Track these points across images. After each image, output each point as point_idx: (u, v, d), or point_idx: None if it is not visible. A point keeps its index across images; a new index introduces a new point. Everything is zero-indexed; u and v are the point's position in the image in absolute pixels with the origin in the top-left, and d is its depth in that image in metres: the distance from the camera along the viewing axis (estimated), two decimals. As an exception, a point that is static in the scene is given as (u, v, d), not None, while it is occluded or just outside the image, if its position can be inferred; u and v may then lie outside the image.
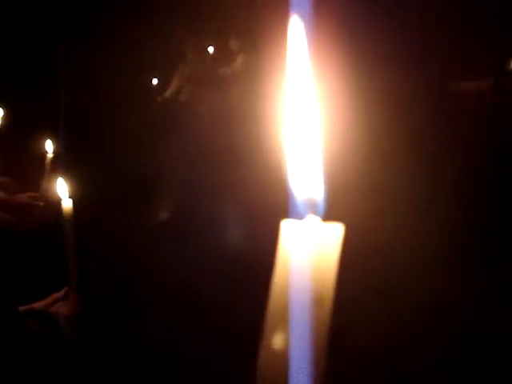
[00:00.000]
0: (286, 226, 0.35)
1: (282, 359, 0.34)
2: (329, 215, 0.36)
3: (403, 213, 4.17)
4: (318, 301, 0.34)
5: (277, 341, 0.34)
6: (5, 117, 3.46)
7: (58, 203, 1.65)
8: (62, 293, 1.61)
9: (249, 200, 4.91)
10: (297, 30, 0.37)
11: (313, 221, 0.36)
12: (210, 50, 7.27)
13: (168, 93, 7.20)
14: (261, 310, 0.39)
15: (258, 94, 6.35)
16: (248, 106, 6.40)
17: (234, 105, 6.86)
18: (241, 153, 5.36)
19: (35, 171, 2.92)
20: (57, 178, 1.73)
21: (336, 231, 0.35)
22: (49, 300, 1.59)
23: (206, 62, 7.00)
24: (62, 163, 2.78)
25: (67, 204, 1.63)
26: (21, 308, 1.38)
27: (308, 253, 0.34)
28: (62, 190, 1.66)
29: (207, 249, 4.26)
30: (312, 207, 0.36)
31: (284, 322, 0.34)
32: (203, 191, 5.34)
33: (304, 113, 0.37)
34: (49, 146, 2.89)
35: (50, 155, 2.87)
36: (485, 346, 3.19)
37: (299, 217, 0.36)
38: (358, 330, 2.99)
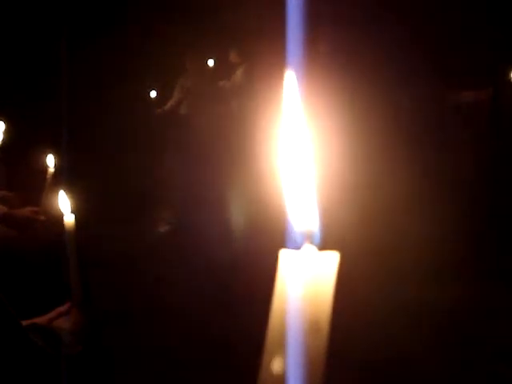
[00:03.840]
0: (284, 256, 0.37)
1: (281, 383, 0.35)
2: (325, 244, 0.37)
3: (400, 233, 4.18)
4: (314, 328, 0.35)
5: (275, 366, 0.35)
6: (6, 131, 3.47)
7: (59, 217, 1.66)
8: (64, 307, 1.62)
9: (249, 216, 4.93)
10: (293, 53, 0.38)
11: (309, 250, 0.37)
12: (210, 63, 7.30)
13: (168, 105, 7.22)
14: (260, 331, 0.40)
15: (257, 107, 6.37)
16: (247, 118, 6.41)
17: (234, 117, 6.87)
18: (240, 166, 5.37)
19: (36, 185, 2.92)
20: (58, 192, 1.73)
21: (332, 259, 0.36)
22: (51, 315, 1.59)
23: (205, 75, 7.01)
24: (63, 177, 2.78)
25: (69, 218, 1.64)
26: (23, 323, 1.39)
27: (305, 281, 0.36)
28: (63, 204, 1.66)
29: (207, 261, 4.26)
30: (308, 237, 0.37)
31: (282, 347, 0.35)
32: (203, 204, 5.34)
33: (299, 145, 0.38)
34: (50, 161, 2.90)
35: (51, 169, 2.88)
36: (488, 355, 3.20)
37: (296, 246, 0.37)
38: (357, 348, 2.99)
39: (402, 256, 3.87)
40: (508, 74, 6.33)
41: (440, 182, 5.01)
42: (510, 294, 3.81)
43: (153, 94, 7.62)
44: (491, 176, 5.47)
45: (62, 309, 1.61)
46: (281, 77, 0.39)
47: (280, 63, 0.39)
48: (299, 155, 0.38)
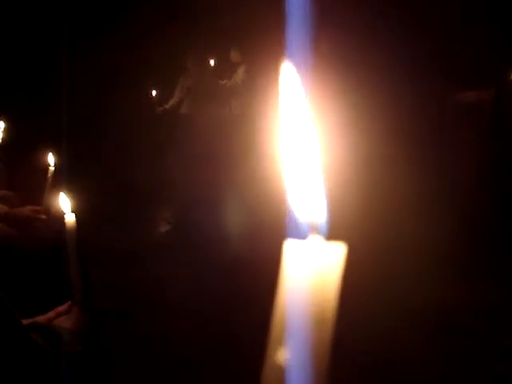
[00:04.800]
0: (290, 246, 0.36)
1: (286, 374, 0.34)
2: (331, 235, 0.37)
3: (402, 232, 4.18)
4: (320, 319, 0.35)
5: (280, 356, 0.35)
6: (7, 130, 3.47)
7: (60, 217, 1.66)
8: (64, 306, 1.61)
9: (250, 215, 4.92)
10: (294, 56, 0.38)
11: (315, 241, 0.37)
12: (211, 62, 7.30)
13: (169, 104, 7.22)
14: (264, 325, 0.40)
15: (258, 106, 6.37)
16: (249, 117, 6.41)
17: (235, 116, 6.88)
18: (242, 165, 5.37)
19: (37, 184, 2.92)
20: (59, 191, 1.73)
21: (338, 250, 0.36)
22: (52, 314, 1.59)
23: (206, 75, 7.01)
24: (63, 176, 2.78)
25: (70, 218, 1.64)
26: (24, 322, 1.38)
27: (311, 272, 0.35)
28: (64, 203, 1.66)
29: (208, 261, 4.26)
30: (314, 227, 0.37)
31: (287, 338, 0.35)
32: (204, 203, 5.35)
33: (303, 136, 0.38)
34: (50, 160, 2.89)
35: (51, 168, 2.87)
36: (488, 354, 3.20)
37: (302, 237, 0.37)
38: (359, 342, 2.99)
39: (403, 254, 3.88)
40: (510, 75, 6.33)
41: (441, 181, 5.02)
42: (510, 293, 3.81)
43: (154, 93, 7.62)
44: (492, 176, 5.47)
45: (61, 308, 1.61)
46: (282, 75, 0.38)
47: (281, 62, 0.39)
48: (304, 149, 0.38)
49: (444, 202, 4.59)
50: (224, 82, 7.24)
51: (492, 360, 3.13)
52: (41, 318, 1.55)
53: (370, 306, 3.39)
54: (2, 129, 3.47)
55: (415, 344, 3.17)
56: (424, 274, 3.83)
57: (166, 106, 7.25)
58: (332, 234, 0.37)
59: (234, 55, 7.16)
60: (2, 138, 3.40)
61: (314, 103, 0.38)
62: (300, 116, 0.38)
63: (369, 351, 3.02)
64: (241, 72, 7.06)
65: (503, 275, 4.05)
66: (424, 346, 3.19)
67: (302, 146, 0.38)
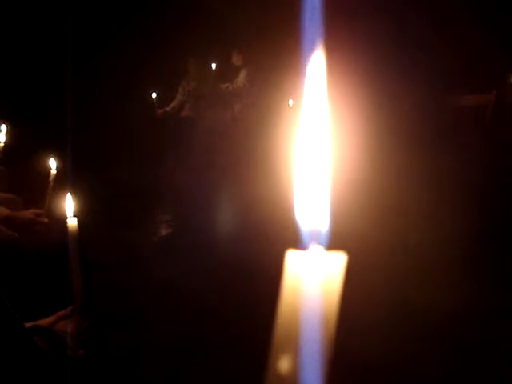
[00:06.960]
0: (291, 256, 0.37)
1: (288, 383, 0.35)
2: (333, 244, 0.37)
3: (406, 234, 4.19)
4: (321, 327, 0.35)
5: (283, 366, 0.35)
6: (9, 133, 3.48)
7: (62, 220, 1.66)
8: (67, 310, 1.62)
9: (251, 218, 4.93)
10: (312, 58, 0.38)
11: (317, 251, 0.37)
12: (213, 66, 7.32)
13: (170, 107, 7.24)
14: (266, 331, 0.41)
15: (261, 109, 6.38)
16: (251, 121, 6.42)
17: (237, 120, 6.89)
18: (243, 168, 5.37)
19: (39, 188, 2.92)
20: (61, 195, 1.73)
21: (339, 260, 0.36)
22: (54, 317, 1.59)
23: (208, 78, 7.03)
24: (65, 180, 2.79)
25: (72, 221, 1.64)
26: (26, 325, 1.38)
27: (312, 282, 0.36)
28: (66, 207, 1.66)
29: (210, 264, 4.27)
30: (316, 237, 0.37)
31: (289, 347, 0.35)
32: (205, 206, 5.35)
33: (312, 144, 0.38)
34: (52, 163, 2.90)
35: (53, 172, 2.88)
36: (489, 355, 3.20)
37: (304, 247, 0.37)
38: (360, 348, 3.00)
39: (406, 256, 3.89)
40: (510, 78, 6.35)
41: (444, 183, 5.02)
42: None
43: (154, 96, 7.65)
44: (495, 177, 5.48)
45: (64, 311, 1.61)
46: (283, 78, 0.39)
47: (281, 65, 0.39)
48: (314, 156, 0.38)
49: (446, 204, 4.60)
50: (226, 85, 7.24)
51: (493, 362, 3.13)
52: (43, 322, 1.55)
53: (371, 307, 3.40)
54: (5, 132, 3.48)
55: (415, 345, 3.17)
56: (426, 275, 3.84)
57: (167, 108, 7.27)
58: (333, 243, 0.37)
59: (236, 59, 7.17)
60: (5, 141, 3.41)
61: (325, 109, 0.38)
62: (314, 122, 0.38)
63: (369, 351, 3.03)
64: (242, 75, 7.07)
65: (505, 276, 4.05)
66: (424, 347, 3.19)
67: (313, 151, 0.38)
